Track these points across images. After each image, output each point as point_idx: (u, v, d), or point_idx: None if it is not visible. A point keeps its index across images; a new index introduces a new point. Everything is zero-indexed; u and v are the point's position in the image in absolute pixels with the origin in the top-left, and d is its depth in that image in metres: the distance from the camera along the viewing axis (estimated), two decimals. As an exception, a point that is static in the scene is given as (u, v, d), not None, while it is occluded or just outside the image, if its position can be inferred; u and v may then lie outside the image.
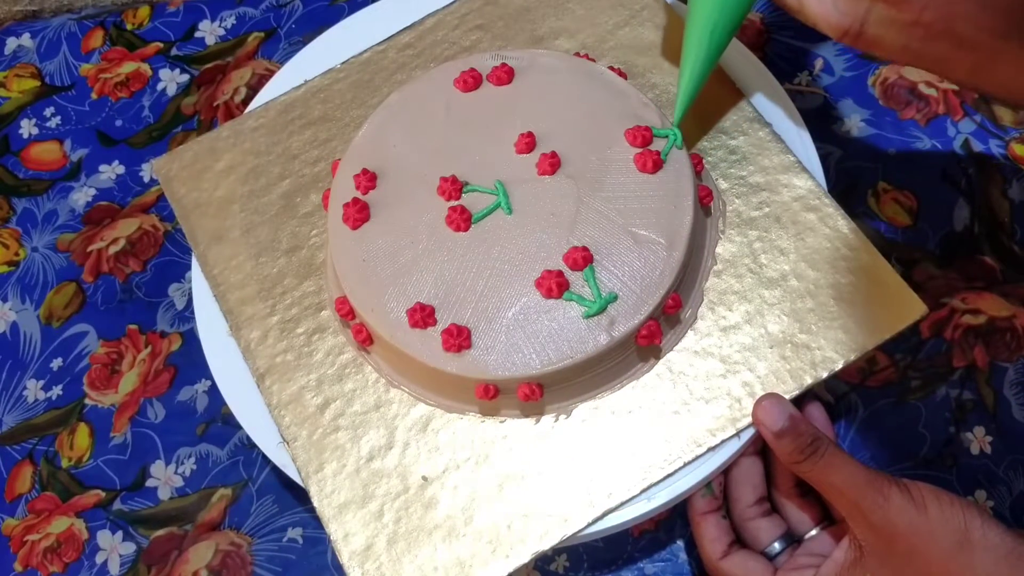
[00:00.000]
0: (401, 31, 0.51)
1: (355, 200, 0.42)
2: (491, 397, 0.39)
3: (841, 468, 0.37)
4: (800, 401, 0.41)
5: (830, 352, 0.41)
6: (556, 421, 0.41)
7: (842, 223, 0.43)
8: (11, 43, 0.64)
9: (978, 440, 0.47)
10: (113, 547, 0.49)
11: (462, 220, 0.41)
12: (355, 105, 0.49)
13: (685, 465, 0.40)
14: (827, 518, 0.41)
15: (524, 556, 0.39)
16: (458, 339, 0.39)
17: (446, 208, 0.42)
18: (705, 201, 0.42)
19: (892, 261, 0.50)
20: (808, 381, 0.40)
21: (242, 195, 0.48)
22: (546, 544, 0.39)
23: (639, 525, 0.46)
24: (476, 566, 0.39)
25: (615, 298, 0.39)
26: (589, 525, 0.39)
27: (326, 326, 0.44)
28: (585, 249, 0.40)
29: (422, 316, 0.39)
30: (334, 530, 0.40)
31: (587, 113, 0.43)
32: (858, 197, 0.52)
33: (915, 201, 0.52)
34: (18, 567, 0.49)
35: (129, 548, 0.49)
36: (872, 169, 0.53)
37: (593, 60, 0.45)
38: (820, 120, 0.54)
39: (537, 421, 0.41)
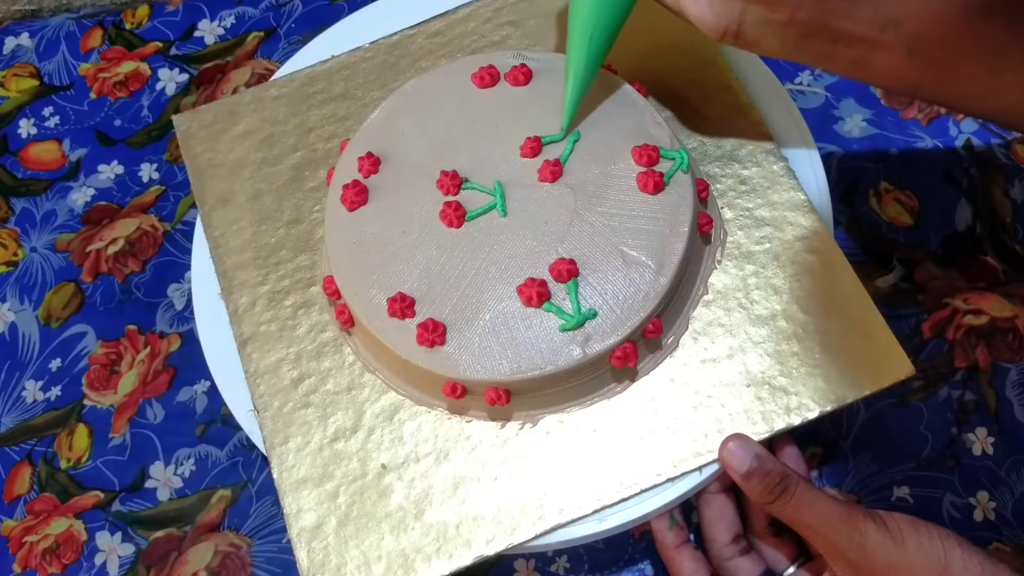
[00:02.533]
0: (433, 18, 0.51)
1: (355, 182, 0.42)
2: (458, 396, 0.39)
3: (814, 506, 0.36)
4: (773, 442, 0.41)
5: (807, 399, 0.40)
6: (521, 429, 0.41)
7: (843, 271, 0.42)
8: (9, 42, 0.64)
9: (980, 441, 0.46)
10: (112, 548, 0.49)
11: (456, 216, 0.41)
12: (377, 86, 0.49)
13: (642, 492, 0.39)
14: (804, 554, 0.41)
15: (466, 559, 0.39)
16: (433, 334, 0.39)
17: (442, 202, 0.42)
18: (704, 228, 0.42)
19: (894, 261, 0.50)
20: (779, 426, 0.40)
21: (254, 161, 0.48)
22: (491, 550, 0.39)
23: (639, 526, 0.46)
24: (419, 561, 0.39)
25: (594, 315, 0.39)
26: (536, 538, 0.39)
27: (313, 302, 0.45)
28: (572, 262, 0.39)
29: (401, 307, 0.40)
30: (288, 504, 0.41)
31: (598, 125, 0.43)
32: (860, 197, 0.52)
33: (917, 201, 0.52)
34: (17, 568, 0.48)
35: (128, 549, 0.48)
36: (874, 169, 0.52)
37: (615, 71, 0.45)
38: (822, 120, 0.54)
39: (502, 426, 0.41)
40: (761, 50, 0.38)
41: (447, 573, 0.39)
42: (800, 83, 0.55)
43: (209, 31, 0.62)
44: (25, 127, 0.61)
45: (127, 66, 0.62)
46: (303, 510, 0.40)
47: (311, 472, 0.41)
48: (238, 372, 0.44)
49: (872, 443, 0.47)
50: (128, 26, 0.63)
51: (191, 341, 0.52)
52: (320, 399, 0.43)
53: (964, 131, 0.53)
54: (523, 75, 0.44)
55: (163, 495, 0.49)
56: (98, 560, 0.48)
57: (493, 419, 0.41)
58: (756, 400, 0.40)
